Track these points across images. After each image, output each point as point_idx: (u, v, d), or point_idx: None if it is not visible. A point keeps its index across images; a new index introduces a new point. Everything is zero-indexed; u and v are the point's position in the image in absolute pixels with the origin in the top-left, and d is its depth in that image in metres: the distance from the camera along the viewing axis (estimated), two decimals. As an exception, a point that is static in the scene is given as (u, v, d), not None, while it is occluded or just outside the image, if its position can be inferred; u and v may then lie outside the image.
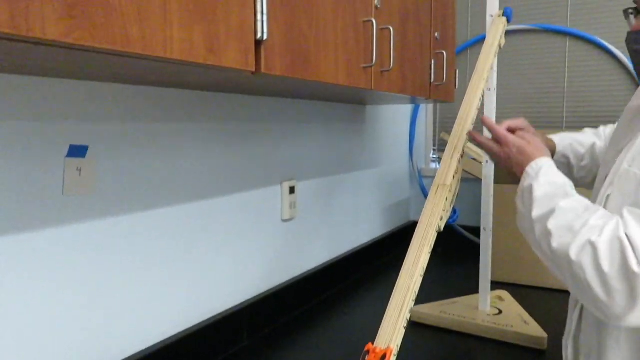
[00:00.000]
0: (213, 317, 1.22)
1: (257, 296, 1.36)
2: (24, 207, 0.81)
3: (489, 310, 1.44)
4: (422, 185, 2.39)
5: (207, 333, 1.18)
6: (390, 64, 1.20)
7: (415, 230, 0.94)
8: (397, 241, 2.24)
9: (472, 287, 1.52)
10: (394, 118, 2.22)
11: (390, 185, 2.22)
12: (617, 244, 0.68)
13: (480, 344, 1.31)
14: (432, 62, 1.53)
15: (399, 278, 0.87)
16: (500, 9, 1.35)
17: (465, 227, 2.11)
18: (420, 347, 1.30)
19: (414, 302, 0.84)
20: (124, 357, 0.99)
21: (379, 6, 1.17)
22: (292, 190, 1.49)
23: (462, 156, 1.03)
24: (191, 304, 1.16)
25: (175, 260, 1.11)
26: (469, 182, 1.80)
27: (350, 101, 1.72)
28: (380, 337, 0.79)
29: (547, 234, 0.77)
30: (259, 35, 0.77)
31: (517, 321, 1.36)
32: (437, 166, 2.38)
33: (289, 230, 1.50)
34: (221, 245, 1.24)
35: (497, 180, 1.70)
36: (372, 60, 1.11)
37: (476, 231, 1.96)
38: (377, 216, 2.11)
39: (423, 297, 1.60)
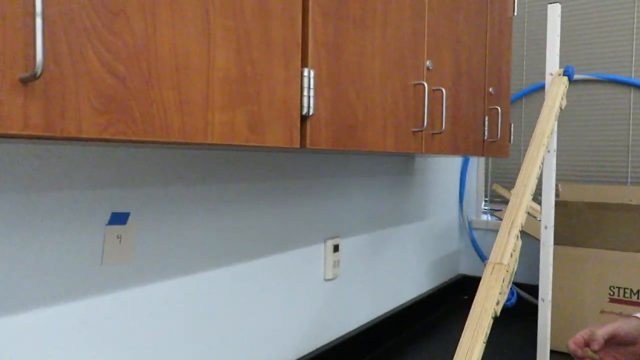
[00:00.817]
0: (249, 384, 1.17)
1: (299, 359, 1.30)
2: (63, 276, 0.79)
3: (546, 388, 1.32)
4: (472, 237, 2.29)
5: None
6: (442, 126, 1.15)
7: (469, 316, 0.86)
8: (446, 296, 2.14)
9: (528, 354, 1.40)
10: (445, 168, 2.15)
11: (438, 238, 2.13)
12: None
13: None
14: (486, 118, 1.47)
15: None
16: (561, 63, 1.28)
17: (520, 285, 1.98)
18: None
19: (465, 401, 0.76)
20: None
21: (430, 68, 1.13)
22: (336, 248, 1.44)
23: (521, 232, 0.96)
24: (227, 371, 1.11)
25: (215, 325, 1.07)
26: (523, 235, 1.70)
27: (399, 154, 1.68)
28: None
29: None
30: (305, 111, 0.74)
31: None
32: (489, 218, 2.28)
33: (331, 290, 1.45)
34: (261, 308, 1.20)
35: (557, 241, 1.59)
36: (422, 124, 1.07)
37: (531, 290, 1.84)
38: (423, 271, 2.02)
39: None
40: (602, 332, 0.92)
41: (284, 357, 1.27)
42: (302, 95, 0.74)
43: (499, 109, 1.51)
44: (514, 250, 0.92)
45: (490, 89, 1.51)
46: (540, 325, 1.31)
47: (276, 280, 1.24)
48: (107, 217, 0.86)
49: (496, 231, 2.27)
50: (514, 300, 0.91)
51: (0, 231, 0.71)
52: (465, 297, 2.31)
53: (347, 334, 1.51)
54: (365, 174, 1.60)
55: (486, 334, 0.83)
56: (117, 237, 0.88)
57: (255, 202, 1.17)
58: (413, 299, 1.90)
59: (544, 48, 2.03)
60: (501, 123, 1.54)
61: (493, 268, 0.90)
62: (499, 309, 0.86)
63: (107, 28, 0.48)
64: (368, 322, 1.61)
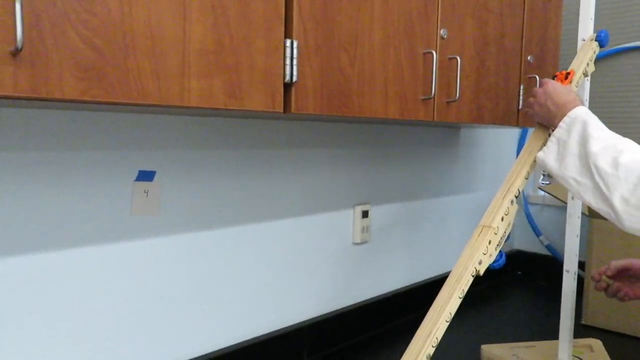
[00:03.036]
0: (275, 331, 1.29)
1: (321, 316, 1.40)
2: (96, 223, 0.95)
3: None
4: (527, 212, 2.23)
5: (268, 346, 1.25)
6: (456, 95, 1.17)
7: (450, 273, 0.90)
8: (495, 271, 2.12)
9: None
10: (497, 141, 2.11)
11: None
12: None
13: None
14: (521, 88, 1.44)
15: (423, 321, 0.85)
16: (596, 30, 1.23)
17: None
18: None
19: (434, 349, 0.82)
20: (189, 359, 1.10)
21: (445, 36, 1.14)
22: (365, 214, 1.50)
23: (516, 197, 0.97)
24: (253, 317, 1.24)
25: (236, 277, 1.20)
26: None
27: (441, 125, 1.69)
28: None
29: (616, 150, 0.84)
30: (287, 78, 0.81)
31: (598, 378, 1.22)
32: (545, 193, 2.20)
33: (360, 254, 1.52)
34: (286, 264, 1.30)
35: (597, 214, 1.54)
36: (431, 92, 1.10)
37: (582, 265, 1.78)
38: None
39: (503, 333, 1.52)
40: (616, 263, 1.09)
41: (308, 312, 1.37)
42: (284, 65, 0.81)
43: (537, 77, 1.47)
44: (506, 214, 0.94)
45: (529, 58, 1.47)
46: (564, 296, 1.30)
47: (304, 240, 1.34)
48: (135, 175, 1.00)
49: (553, 207, 2.20)
50: (501, 262, 0.93)
51: (43, 183, 0.87)
52: (519, 273, 2.27)
53: (376, 296, 1.58)
54: (403, 145, 1.64)
55: (463, 290, 0.87)
56: (145, 192, 1.02)
57: (282, 167, 1.27)
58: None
59: (618, 14, 1.91)
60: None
61: (481, 230, 0.93)
62: (481, 269, 0.90)
63: (85, 9, 0.59)
64: (401, 288, 1.67)
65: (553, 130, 0.98)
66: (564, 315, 1.31)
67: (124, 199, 0.98)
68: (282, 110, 0.82)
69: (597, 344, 1.43)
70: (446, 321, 0.84)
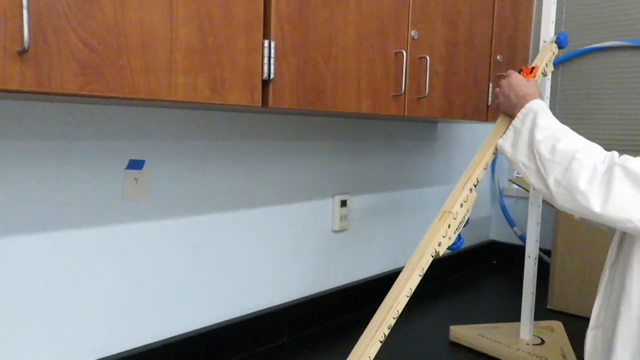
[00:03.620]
0: (255, 312, 1.37)
1: (300, 298, 1.49)
2: (90, 208, 1.03)
3: (529, 339, 1.41)
4: (502, 204, 2.34)
5: (251, 325, 1.34)
6: (425, 91, 1.26)
7: (413, 254, 1.00)
8: (475, 259, 2.23)
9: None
10: (473, 135, 2.21)
11: (465, 203, 2.21)
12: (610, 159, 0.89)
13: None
14: (490, 85, 1.54)
15: (386, 297, 0.94)
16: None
17: (541, 250, 2.03)
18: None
19: (395, 320, 0.91)
20: (171, 335, 1.18)
21: (415, 37, 1.23)
22: (343, 203, 1.59)
23: (475, 185, 1.06)
24: (237, 298, 1.32)
25: (221, 260, 1.28)
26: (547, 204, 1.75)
27: (418, 120, 1.78)
28: (353, 352, 0.87)
29: (555, 138, 0.96)
30: (265, 76, 0.90)
31: (555, 354, 1.33)
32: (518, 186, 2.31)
33: (339, 241, 1.61)
34: (267, 249, 1.39)
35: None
36: (401, 89, 1.19)
37: (549, 254, 1.89)
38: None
39: (475, 317, 1.63)
40: None
41: (287, 294, 1.46)
42: (263, 63, 0.90)
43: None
44: (465, 201, 1.04)
45: (499, 57, 1.57)
46: (526, 280, 1.40)
47: (284, 226, 1.43)
48: (126, 163, 1.08)
49: (526, 199, 2.30)
50: (460, 244, 1.02)
51: (41, 169, 0.94)
52: (495, 262, 2.38)
53: (355, 281, 1.67)
54: (381, 139, 1.73)
55: (423, 268, 0.97)
56: (135, 179, 1.10)
57: (266, 158, 1.35)
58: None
59: (585, 16, 2.01)
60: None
61: (442, 215, 1.02)
62: (440, 250, 0.99)
63: (84, 13, 0.67)
64: (378, 274, 1.76)
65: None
66: (525, 297, 1.41)
67: (116, 184, 1.07)
68: (260, 105, 0.91)
69: (558, 325, 1.53)
70: (407, 296, 0.93)
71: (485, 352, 1.39)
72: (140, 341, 1.13)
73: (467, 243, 2.22)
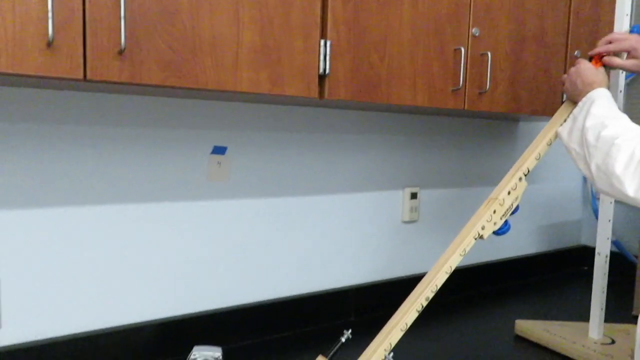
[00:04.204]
0: (325, 290, 1.50)
1: (368, 282, 1.59)
2: (179, 185, 1.23)
3: (598, 338, 1.38)
4: (595, 207, 2.23)
5: (318, 302, 1.47)
6: (487, 86, 1.31)
7: (458, 235, 1.06)
8: (562, 263, 2.17)
9: (610, 316, 1.46)
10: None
11: (552, 205, 2.16)
12: None
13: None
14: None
15: (428, 273, 1.02)
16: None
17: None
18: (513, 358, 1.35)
19: (433, 293, 0.99)
20: (247, 302, 1.35)
21: (476, 34, 1.29)
22: (414, 195, 1.67)
23: (525, 175, 1.10)
24: (304, 277, 1.46)
25: (294, 239, 1.43)
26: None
27: (498, 118, 1.80)
28: (393, 318, 0.96)
29: (603, 125, 0.99)
30: (321, 71, 1.03)
31: (623, 355, 1.29)
32: (614, 189, 2.19)
33: (409, 232, 1.69)
34: (338, 233, 1.51)
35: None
36: (459, 84, 1.25)
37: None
38: (529, 233, 2.09)
39: (546, 315, 1.61)
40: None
41: (356, 279, 1.57)
42: (319, 60, 1.03)
43: (584, 71, 1.54)
44: (513, 189, 1.08)
45: (576, 52, 1.55)
46: (596, 278, 1.38)
47: (355, 214, 1.54)
48: (211, 149, 1.27)
49: (622, 203, 2.18)
50: (506, 229, 1.06)
51: (141, 154, 1.16)
52: (585, 268, 2.28)
53: (421, 273, 1.73)
54: (456, 135, 1.78)
55: (465, 249, 1.03)
56: (218, 163, 1.29)
57: (340, 150, 1.48)
58: (509, 257, 2.01)
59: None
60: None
61: (489, 201, 1.08)
62: (484, 233, 1.05)
63: (168, 22, 0.86)
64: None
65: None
66: (595, 295, 1.39)
67: (202, 167, 1.26)
68: (317, 97, 1.04)
69: (634, 329, 1.47)
70: (446, 272, 1.00)
71: (550, 347, 1.39)
72: (216, 304, 1.31)
73: (548, 245, 2.17)
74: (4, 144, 1.01)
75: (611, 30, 1.63)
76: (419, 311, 0.96)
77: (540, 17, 1.44)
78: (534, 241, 2.12)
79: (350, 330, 0.94)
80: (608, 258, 1.37)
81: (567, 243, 2.25)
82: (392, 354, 0.89)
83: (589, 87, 1.10)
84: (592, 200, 2.25)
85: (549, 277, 2.10)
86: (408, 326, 0.95)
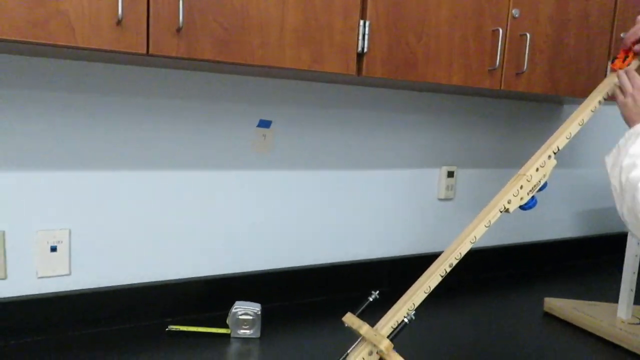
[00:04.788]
0: (359, 260, 1.59)
1: (403, 255, 1.67)
2: (227, 155, 1.34)
3: (626, 318, 1.40)
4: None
5: (354, 270, 1.56)
6: (524, 67, 1.34)
7: (485, 207, 1.11)
8: (597, 248, 2.16)
9: None
10: (603, 119, 2.13)
11: (598, 190, 2.15)
12: None
13: (601, 346, 1.32)
14: (609, 63, 1.53)
15: (454, 241, 1.08)
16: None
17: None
18: (539, 334, 1.40)
19: (457, 261, 1.05)
20: (287, 266, 1.46)
21: (516, 16, 1.32)
22: (450, 174, 1.72)
23: (555, 153, 1.13)
24: (341, 246, 1.55)
25: (332, 211, 1.52)
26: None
27: (541, 100, 1.81)
28: (417, 281, 1.03)
29: (634, 165, 0.96)
30: (359, 49, 1.10)
31: (650, 334, 1.31)
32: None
33: (444, 209, 1.74)
34: (375, 207, 1.59)
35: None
36: (495, 64, 1.29)
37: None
38: (571, 217, 2.09)
39: (578, 295, 1.63)
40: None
41: (391, 251, 1.65)
42: (357, 39, 1.10)
43: (629, 54, 1.53)
44: (541, 166, 1.12)
45: (622, 34, 1.54)
46: (627, 259, 1.40)
47: (392, 190, 1.62)
48: (257, 122, 1.37)
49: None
50: (532, 204, 1.09)
51: (189, 126, 1.28)
52: None
53: (458, 248, 1.78)
54: (497, 117, 1.80)
55: (490, 220, 1.09)
56: (263, 135, 1.39)
57: (379, 127, 1.55)
58: (551, 239, 2.02)
59: None
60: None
61: (517, 177, 1.12)
62: (510, 207, 1.10)
63: (219, 3, 0.95)
64: (480, 247, 1.84)
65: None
66: (625, 275, 1.41)
67: (249, 139, 1.36)
68: (355, 74, 1.11)
69: (668, 312, 1.48)
70: (471, 242, 1.06)
71: (577, 325, 1.42)
72: (258, 266, 1.43)
73: (595, 231, 2.16)
74: (79, 112, 1.15)
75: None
76: (442, 276, 1.03)
77: (583, -1, 1.44)
78: (576, 225, 2.12)
79: (377, 291, 1.01)
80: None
81: (610, 229, 2.23)
82: (414, 312, 0.97)
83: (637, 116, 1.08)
84: None
85: (588, 261, 2.10)
86: (431, 289, 1.02)
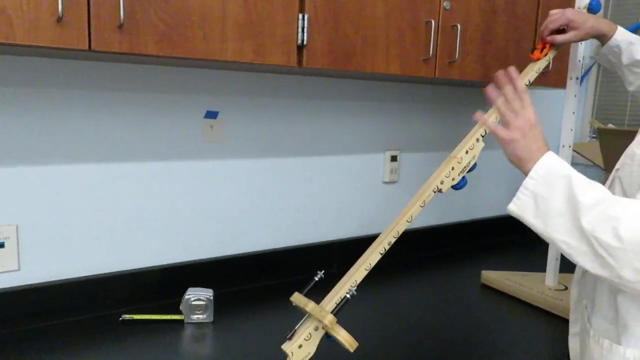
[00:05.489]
0: (313, 242, 1.66)
1: (352, 237, 1.75)
2: (177, 146, 1.37)
3: (553, 285, 1.54)
4: (571, 172, 2.37)
5: (308, 252, 1.62)
6: (455, 56, 1.42)
7: (420, 189, 1.20)
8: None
9: (565, 267, 1.60)
10: (541, 102, 2.27)
11: (528, 168, 2.29)
12: None
13: (531, 311, 1.44)
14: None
15: (392, 222, 1.16)
16: None
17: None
18: (476, 304, 1.51)
19: (394, 239, 1.13)
20: (238, 252, 1.51)
21: (447, 7, 1.40)
22: (393, 158, 1.80)
23: (482, 136, 1.23)
24: (294, 230, 1.61)
25: (281, 197, 1.57)
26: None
27: (476, 85, 1.91)
28: (358, 260, 1.10)
29: (611, 217, 0.78)
30: (299, 42, 1.15)
31: (573, 299, 1.44)
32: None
33: (389, 191, 1.83)
34: (324, 192, 1.66)
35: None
36: (429, 54, 1.37)
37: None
38: (505, 196, 2.23)
39: (512, 267, 1.76)
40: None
41: (340, 234, 1.72)
42: (297, 32, 1.15)
43: (552, 42, 1.65)
44: (470, 149, 1.21)
45: (546, 24, 1.65)
46: (553, 231, 1.52)
47: (339, 175, 1.68)
48: (204, 113, 1.40)
49: (598, 167, 2.32)
50: (462, 184, 1.18)
51: (143, 117, 1.29)
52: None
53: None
54: (437, 102, 1.90)
55: (424, 200, 1.17)
56: (210, 126, 1.42)
57: (325, 115, 1.61)
58: (486, 217, 2.16)
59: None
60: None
61: (449, 159, 1.21)
62: (443, 187, 1.18)
63: (160, -1, 0.98)
64: (424, 226, 1.95)
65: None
66: (551, 247, 1.53)
67: (198, 130, 1.39)
68: (296, 65, 1.16)
69: (591, 278, 1.63)
70: (407, 221, 1.14)
71: (510, 294, 1.54)
72: (210, 254, 1.47)
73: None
74: (22, 107, 1.15)
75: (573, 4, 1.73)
76: (381, 253, 1.11)
77: (511, -10, 1.54)
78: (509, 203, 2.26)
79: (323, 271, 1.08)
80: (565, 214, 1.51)
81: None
82: (355, 288, 1.04)
83: (538, 152, 0.93)
84: (567, 164, 2.38)
85: (521, 236, 2.25)
86: (372, 266, 1.09)
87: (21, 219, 1.19)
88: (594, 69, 2.37)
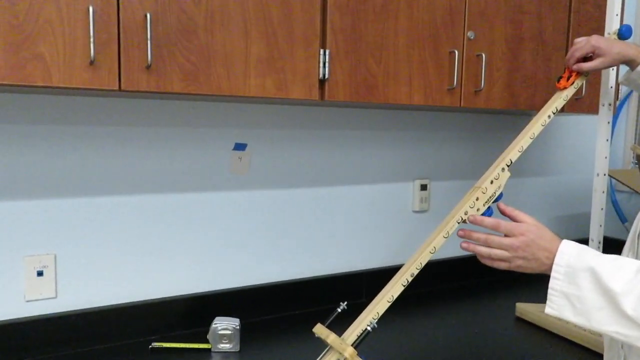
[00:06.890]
0: (338, 273, 1.66)
1: (380, 267, 1.73)
2: (205, 178, 1.41)
3: (591, 319, 1.47)
4: (614, 199, 2.28)
5: (333, 283, 1.62)
6: (481, 85, 1.42)
7: (444, 220, 1.19)
8: (571, 253, 2.23)
9: None
10: (578, 128, 2.21)
11: (569, 196, 2.22)
12: None
13: (568, 347, 1.38)
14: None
15: (415, 253, 1.15)
16: None
17: None
18: (510, 338, 1.46)
19: (417, 270, 1.12)
20: (266, 282, 1.53)
21: (471, 37, 1.40)
22: (423, 187, 1.79)
23: (508, 166, 1.21)
24: (319, 260, 1.62)
25: (309, 227, 1.59)
26: None
27: (506, 113, 1.89)
28: (381, 292, 1.10)
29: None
30: (321, 76, 1.18)
31: (613, 334, 1.38)
32: (631, 181, 2.23)
33: (419, 220, 1.81)
34: (352, 221, 1.66)
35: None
36: (453, 83, 1.37)
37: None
38: (544, 224, 2.16)
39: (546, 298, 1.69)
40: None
41: (369, 264, 1.72)
42: (319, 67, 1.18)
43: (584, 68, 1.62)
44: (495, 179, 1.19)
45: (577, 50, 1.62)
46: (589, 262, 1.46)
47: (368, 204, 1.69)
48: (233, 145, 1.45)
49: (639, 194, 2.22)
50: (487, 214, 1.17)
51: (171, 150, 1.35)
52: (604, 259, 2.32)
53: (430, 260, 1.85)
54: (464, 129, 1.88)
55: (448, 232, 1.16)
56: (239, 158, 1.46)
57: (354, 145, 1.63)
58: (523, 246, 2.09)
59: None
60: (586, 82, 1.64)
61: (473, 189, 1.19)
62: (467, 218, 1.16)
63: (186, 40, 1.03)
64: (453, 256, 1.91)
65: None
66: (588, 279, 1.47)
67: (225, 161, 1.44)
68: (318, 99, 1.19)
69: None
70: (430, 252, 1.13)
71: (547, 328, 1.49)
72: (237, 283, 1.49)
73: (565, 236, 2.23)
74: (58, 143, 1.22)
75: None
76: (404, 285, 1.10)
77: (538, 17, 1.53)
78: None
79: (345, 302, 1.08)
80: (601, 244, 1.46)
81: (577, 235, 2.31)
82: (376, 321, 1.03)
83: (550, 252, 0.94)
84: (611, 192, 2.30)
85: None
86: (394, 298, 1.08)
87: (59, 249, 1.25)
88: (635, 94, 2.29)
